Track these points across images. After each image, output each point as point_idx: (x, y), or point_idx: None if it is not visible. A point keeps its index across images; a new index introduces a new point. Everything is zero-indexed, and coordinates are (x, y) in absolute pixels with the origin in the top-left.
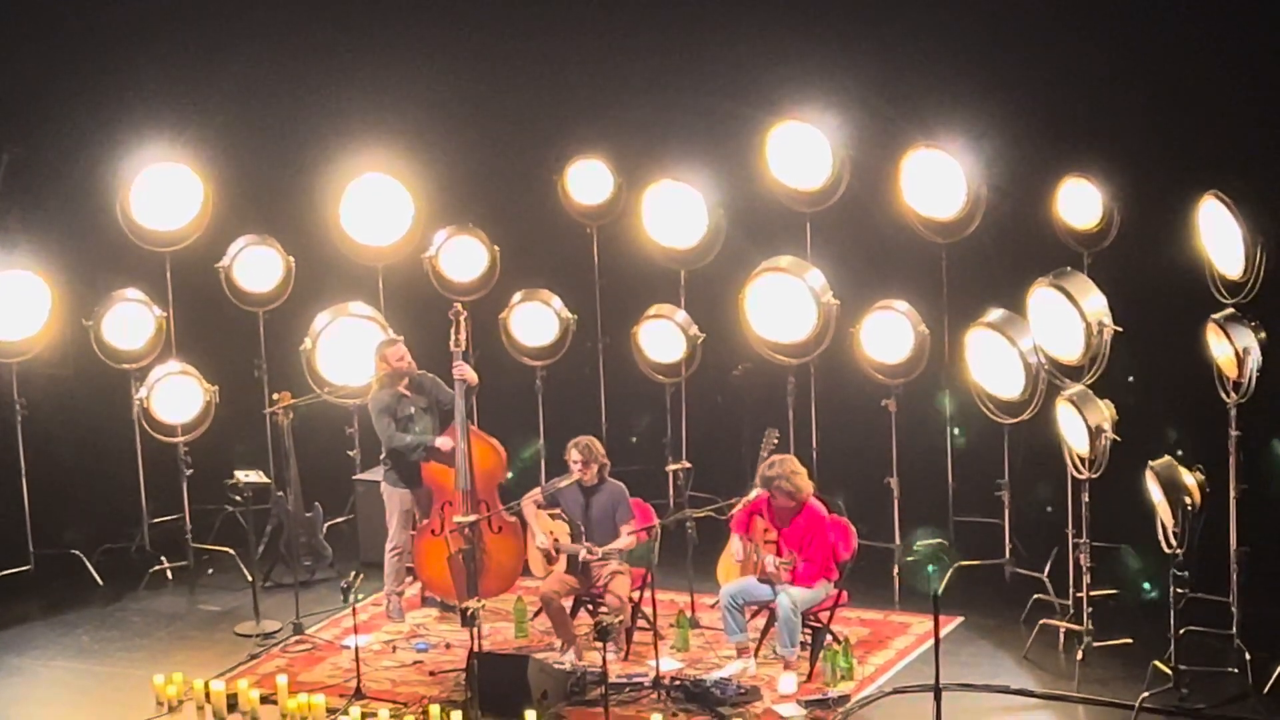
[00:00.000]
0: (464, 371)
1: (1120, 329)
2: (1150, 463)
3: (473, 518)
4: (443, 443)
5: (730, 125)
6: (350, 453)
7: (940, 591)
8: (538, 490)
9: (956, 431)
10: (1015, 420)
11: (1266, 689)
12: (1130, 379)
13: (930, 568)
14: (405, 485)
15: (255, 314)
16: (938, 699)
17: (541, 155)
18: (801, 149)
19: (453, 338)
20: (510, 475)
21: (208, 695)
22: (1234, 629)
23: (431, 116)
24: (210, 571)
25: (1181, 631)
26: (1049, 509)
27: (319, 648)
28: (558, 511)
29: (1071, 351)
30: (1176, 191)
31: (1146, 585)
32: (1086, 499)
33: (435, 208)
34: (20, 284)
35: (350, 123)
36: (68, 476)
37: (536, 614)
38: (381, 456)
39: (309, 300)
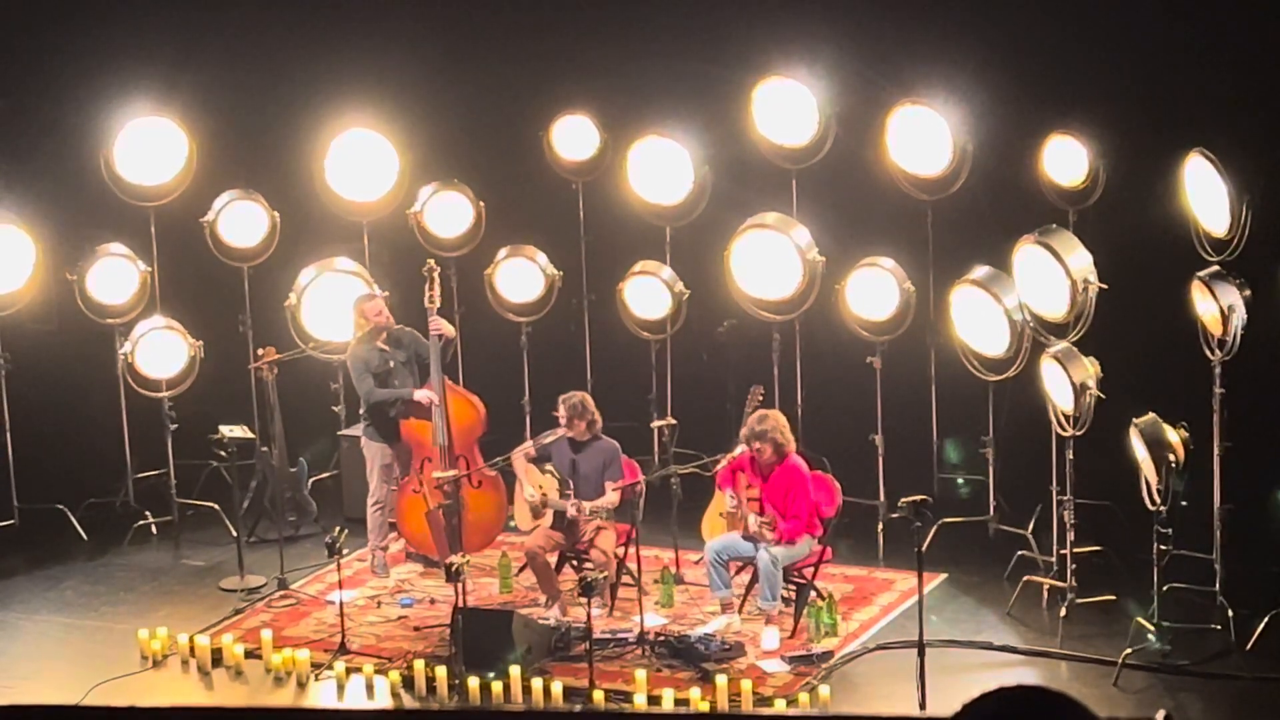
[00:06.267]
0: (440, 325)
1: (1105, 286)
2: (1134, 420)
3: (452, 474)
4: (421, 395)
5: (716, 82)
6: (335, 408)
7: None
8: (529, 443)
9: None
10: (1000, 378)
11: (1249, 646)
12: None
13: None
14: (384, 440)
15: (240, 269)
16: (921, 655)
17: (527, 111)
18: (787, 106)
19: (427, 294)
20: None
21: (192, 650)
22: (1217, 586)
23: (418, 72)
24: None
25: (1165, 588)
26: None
27: (303, 603)
28: (549, 466)
29: (1057, 309)
30: (1162, 149)
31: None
32: (1071, 456)
33: (421, 163)
34: (4, 238)
35: (336, 78)
36: (52, 431)
37: (521, 569)
38: (361, 411)
39: (294, 256)
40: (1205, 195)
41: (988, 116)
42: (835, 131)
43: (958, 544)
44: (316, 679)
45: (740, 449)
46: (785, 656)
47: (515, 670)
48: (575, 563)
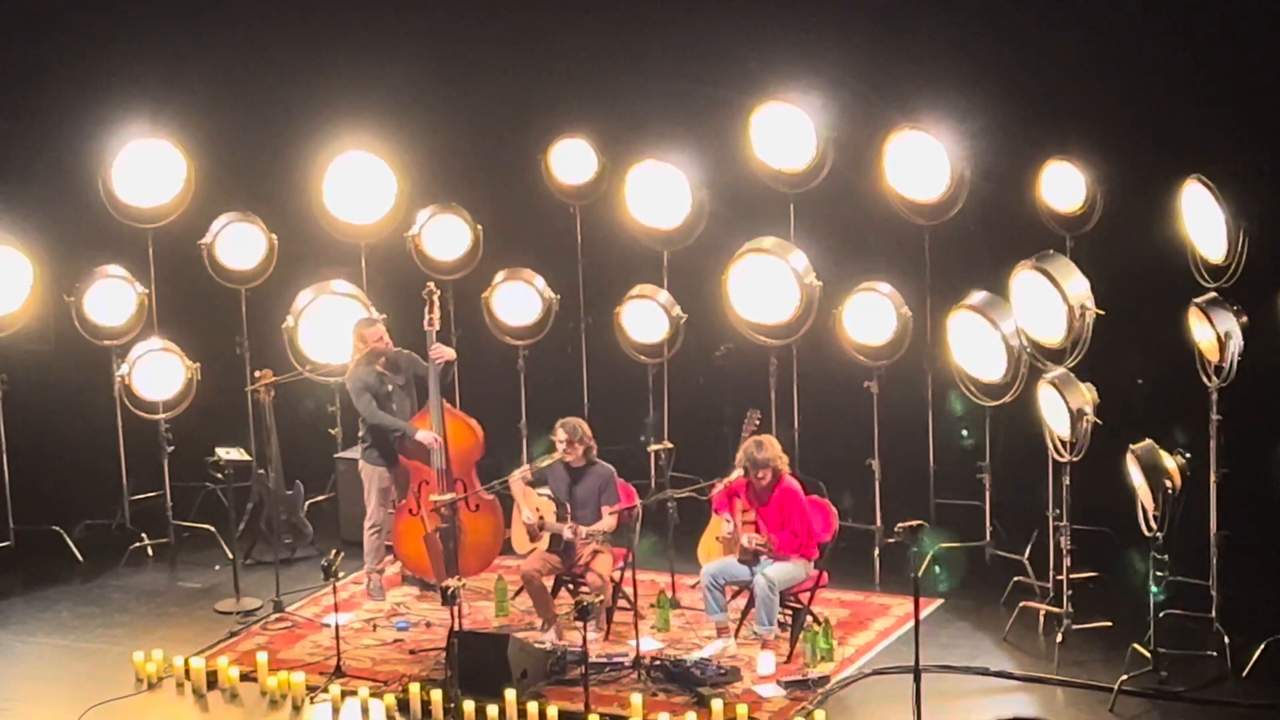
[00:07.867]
0: (440, 351)
1: (1102, 312)
2: (1131, 446)
3: (449, 496)
4: (424, 437)
5: (715, 106)
6: (332, 431)
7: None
8: (526, 467)
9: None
10: (997, 403)
11: (1245, 672)
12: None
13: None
14: (383, 463)
15: (238, 291)
16: (917, 680)
17: (526, 134)
18: (785, 130)
19: (426, 317)
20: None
21: (187, 672)
22: (1213, 612)
23: (415, 95)
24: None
25: (1161, 614)
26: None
27: (299, 625)
28: (544, 490)
29: (1053, 334)
30: (1160, 175)
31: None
32: (1068, 482)
33: (419, 186)
34: (2, 259)
35: (334, 100)
36: (49, 452)
37: (518, 593)
38: (360, 434)
39: (291, 278)
40: (1202, 222)
41: (986, 142)
42: (833, 156)
43: (954, 569)
44: (312, 702)
45: (736, 473)
46: (781, 681)
47: (511, 694)
48: (571, 586)
